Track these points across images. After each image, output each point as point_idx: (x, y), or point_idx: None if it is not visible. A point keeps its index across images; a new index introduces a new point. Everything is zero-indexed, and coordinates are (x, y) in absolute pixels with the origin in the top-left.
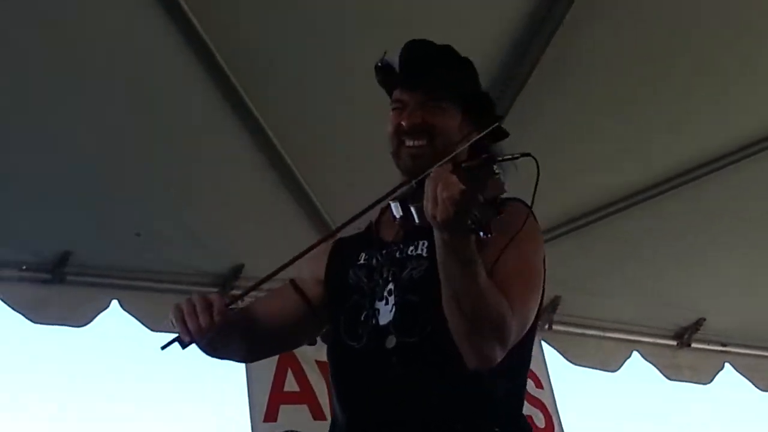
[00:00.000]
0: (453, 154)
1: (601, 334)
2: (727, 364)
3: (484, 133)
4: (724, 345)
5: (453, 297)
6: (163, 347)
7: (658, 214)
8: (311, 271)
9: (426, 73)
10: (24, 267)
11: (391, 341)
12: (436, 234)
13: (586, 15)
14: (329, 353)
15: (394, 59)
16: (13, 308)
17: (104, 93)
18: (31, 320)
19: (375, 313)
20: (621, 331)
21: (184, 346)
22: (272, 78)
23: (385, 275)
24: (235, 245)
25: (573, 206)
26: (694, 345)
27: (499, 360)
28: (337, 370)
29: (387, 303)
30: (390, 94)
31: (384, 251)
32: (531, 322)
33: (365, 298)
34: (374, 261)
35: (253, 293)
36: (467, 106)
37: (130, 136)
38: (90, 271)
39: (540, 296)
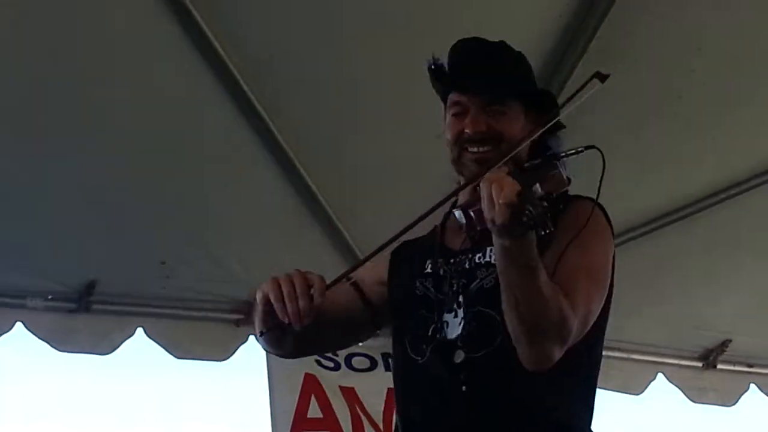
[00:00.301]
0: (511, 154)
1: (625, 355)
2: (752, 385)
3: (541, 131)
4: (750, 366)
5: (514, 303)
6: (262, 334)
7: (685, 235)
8: (372, 271)
9: (484, 74)
10: (50, 296)
11: (459, 356)
12: (495, 239)
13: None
14: (394, 366)
15: (444, 60)
16: (39, 337)
17: (129, 124)
18: (56, 348)
19: (443, 326)
20: (645, 352)
21: (279, 333)
22: (294, 100)
23: (454, 287)
24: (260, 271)
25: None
26: (720, 366)
27: (556, 359)
28: (401, 385)
29: (456, 316)
30: (443, 97)
31: (451, 260)
32: (594, 319)
33: (433, 312)
34: (441, 271)
35: None
36: (528, 103)
37: (155, 165)
38: (115, 299)
39: (606, 293)
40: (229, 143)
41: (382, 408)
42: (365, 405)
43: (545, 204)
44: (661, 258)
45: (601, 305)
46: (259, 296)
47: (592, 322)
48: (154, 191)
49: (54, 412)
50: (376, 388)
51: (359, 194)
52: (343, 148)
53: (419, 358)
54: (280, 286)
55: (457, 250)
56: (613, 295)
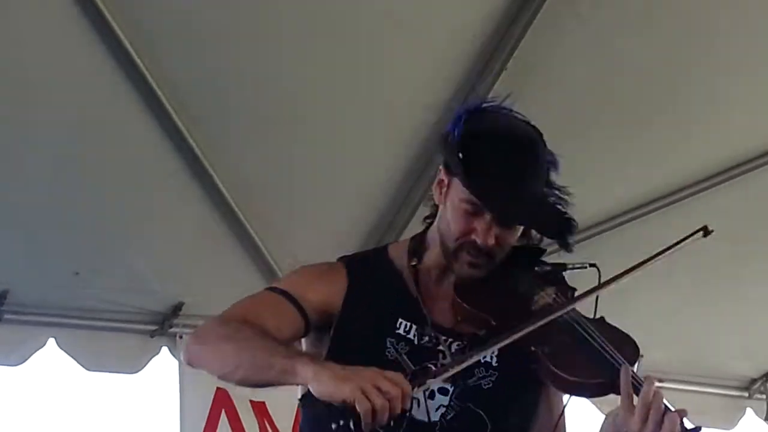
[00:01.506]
0: (572, 305)
1: None
2: None
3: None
4: (660, 381)
5: None
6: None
7: (593, 251)
8: (321, 301)
9: (516, 198)
10: None
11: None
12: None
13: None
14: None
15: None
16: None
17: (42, 132)
18: None
19: (413, 403)
20: None
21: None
22: (212, 111)
23: None
24: (175, 283)
25: None
26: None
27: None
28: None
29: (434, 399)
30: (456, 172)
31: (442, 338)
32: None
33: None
34: (421, 340)
35: None
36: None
37: (70, 175)
38: (27, 309)
39: None
40: (145, 154)
41: (292, 423)
42: (274, 420)
43: None
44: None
45: None
46: (345, 399)
47: None
48: (68, 201)
49: None
50: (286, 402)
51: (277, 208)
52: (261, 160)
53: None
54: (369, 398)
55: (449, 328)
56: None
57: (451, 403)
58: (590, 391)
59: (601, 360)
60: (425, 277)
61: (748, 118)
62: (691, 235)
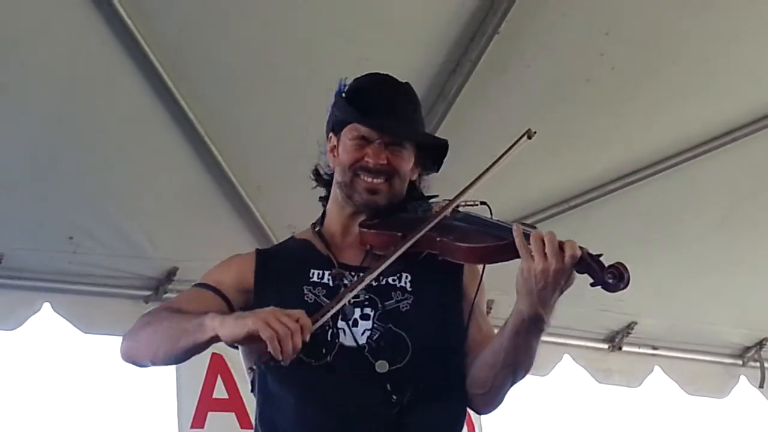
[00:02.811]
0: (458, 200)
1: None
2: (656, 367)
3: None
4: (655, 348)
5: (513, 362)
6: (258, 365)
7: (589, 218)
8: (233, 278)
9: (397, 117)
10: None
11: (382, 366)
12: (525, 308)
13: None
14: (275, 370)
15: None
16: None
17: (36, 97)
18: None
19: (339, 333)
20: (552, 334)
21: (270, 365)
22: (205, 74)
23: (360, 298)
24: (169, 249)
25: (516, 208)
26: (625, 348)
27: None
28: (296, 388)
29: (357, 326)
30: (343, 120)
31: (350, 273)
32: None
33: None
34: (335, 280)
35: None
36: (419, 147)
37: (63, 137)
38: (23, 274)
39: None
40: (138, 118)
41: None
42: None
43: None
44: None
45: None
46: (249, 332)
47: None
48: (62, 165)
49: None
50: None
51: (272, 173)
52: (254, 124)
53: (312, 361)
54: (271, 326)
55: (358, 266)
56: None
57: (375, 325)
58: (497, 253)
59: (497, 227)
60: (329, 235)
61: (741, 84)
62: (518, 140)
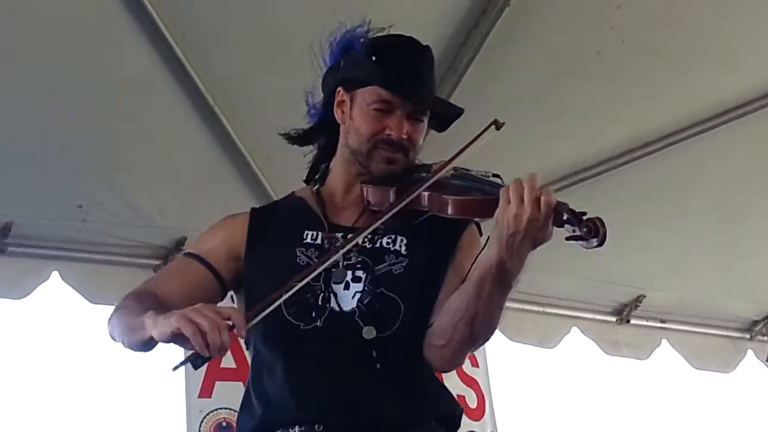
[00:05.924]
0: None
1: (540, 309)
2: (664, 340)
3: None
4: (663, 321)
5: (474, 314)
6: (175, 368)
7: (598, 192)
8: (224, 246)
9: (422, 84)
10: None
11: (370, 332)
12: (494, 257)
13: None
14: (265, 333)
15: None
16: None
17: (45, 66)
18: None
19: (332, 296)
20: (560, 306)
21: (198, 364)
22: (214, 44)
23: (352, 260)
24: (178, 218)
25: None
26: (633, 321)
27: None
28: (284, 351)
29: (348, 288)
30: (362, 80)
31: (342, 234)
32: None
33: (319, 280)
34: (326, 242)
35: None
36: (432, 114)
37: (73, 105)
38: (31, 242)
39: None
40: (147, 87)
41: None
42: None
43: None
44: None
45: None
46: (173, 331)
47: None
48: (71, 133)
49: None
50: None
51: (280, 143)
52: (264, 94)
53: (301, 324)
54: (193, 321)
55: (351, 226)
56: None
57: (365, 288)
58: (485, 207)
59: (491, 184)
60: (329, 196)
61: (752, 59)
62: (485, 129)
